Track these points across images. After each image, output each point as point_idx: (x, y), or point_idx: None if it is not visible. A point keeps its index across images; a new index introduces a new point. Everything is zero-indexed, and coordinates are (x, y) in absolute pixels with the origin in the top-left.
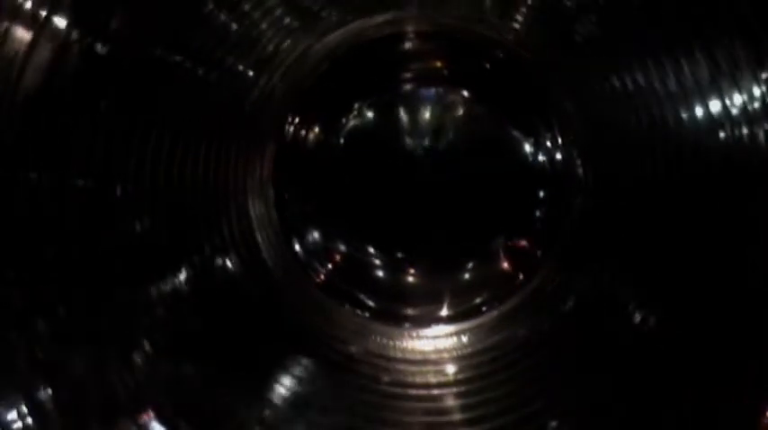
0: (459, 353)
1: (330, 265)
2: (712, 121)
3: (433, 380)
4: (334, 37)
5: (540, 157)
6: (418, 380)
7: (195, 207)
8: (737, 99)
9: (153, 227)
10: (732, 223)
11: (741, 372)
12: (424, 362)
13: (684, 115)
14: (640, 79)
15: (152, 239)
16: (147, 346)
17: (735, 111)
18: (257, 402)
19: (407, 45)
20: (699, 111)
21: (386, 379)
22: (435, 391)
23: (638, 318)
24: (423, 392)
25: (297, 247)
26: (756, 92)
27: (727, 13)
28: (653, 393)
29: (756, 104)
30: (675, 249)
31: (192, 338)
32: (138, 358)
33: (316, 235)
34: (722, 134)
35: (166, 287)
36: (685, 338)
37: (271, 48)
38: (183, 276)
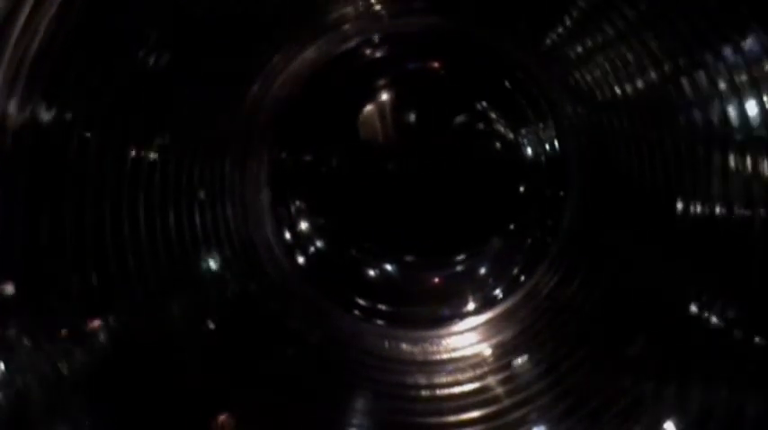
0: (452, 355)
1: (330, 269)
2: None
3: (423, 381)
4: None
5: (536, 154)
6: (421, 381)
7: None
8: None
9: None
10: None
11: None
12: (420, 363)
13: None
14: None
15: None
16: None
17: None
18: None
19: (404, 46)
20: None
21: (381, 379)
22: (424, 393)
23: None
24: (413, 393)
25: (299, 258)
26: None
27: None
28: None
29: None
30: (675, 244)
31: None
32: None
33: (313, 240)
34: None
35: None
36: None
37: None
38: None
